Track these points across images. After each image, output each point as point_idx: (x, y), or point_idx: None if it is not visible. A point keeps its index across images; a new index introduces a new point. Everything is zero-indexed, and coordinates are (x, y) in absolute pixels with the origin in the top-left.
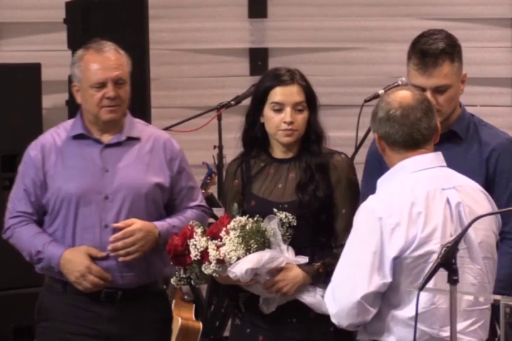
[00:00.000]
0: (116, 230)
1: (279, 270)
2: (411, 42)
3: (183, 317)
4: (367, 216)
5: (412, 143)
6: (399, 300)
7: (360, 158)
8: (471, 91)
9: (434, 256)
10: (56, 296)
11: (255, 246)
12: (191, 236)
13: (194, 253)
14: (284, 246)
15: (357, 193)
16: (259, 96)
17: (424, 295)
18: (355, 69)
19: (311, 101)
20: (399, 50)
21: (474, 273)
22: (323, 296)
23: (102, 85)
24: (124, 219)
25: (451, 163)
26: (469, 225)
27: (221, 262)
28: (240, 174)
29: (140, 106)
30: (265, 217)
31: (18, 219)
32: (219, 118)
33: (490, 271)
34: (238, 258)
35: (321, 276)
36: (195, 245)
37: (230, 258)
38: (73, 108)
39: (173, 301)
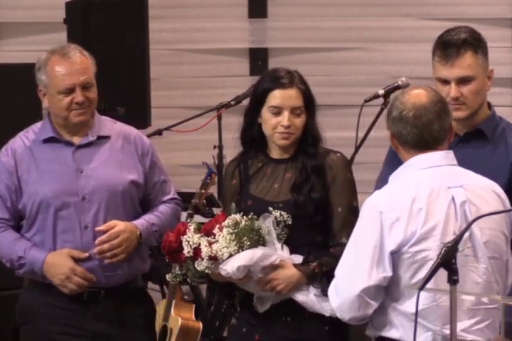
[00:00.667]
0: (97, 232)
1: (274, 268)
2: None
3: (183, 317)
4: (369, 210)
5: (422, 144)
6: (400, 294)
7: (360, 158)
8: None
9: (433, 253)
10: (37, 297)
11: (248, 243)
12: (185, 233)
13: (187, 250)
14: (278, 245)
15: (353, 192)
16: (257, 97)
17: (425, 292)
18: (355, 69)
19: (309, 104)
20: (399, 50)
21: (479, 272)
22: (316, 295)
23: (70, 91)
24: (103, 219)
25: (476, 162)
26: (469, 225)
27: (213, 259)
28: (237, 174)
29: (140, 106)
30: (260, 216)
31: None
32: (219, 118)
33: (497, 271)
34: (230, 255)
35: (316, 276)
36: (188, 241)
37: (222, 254)
38: None
39: (173, 301)
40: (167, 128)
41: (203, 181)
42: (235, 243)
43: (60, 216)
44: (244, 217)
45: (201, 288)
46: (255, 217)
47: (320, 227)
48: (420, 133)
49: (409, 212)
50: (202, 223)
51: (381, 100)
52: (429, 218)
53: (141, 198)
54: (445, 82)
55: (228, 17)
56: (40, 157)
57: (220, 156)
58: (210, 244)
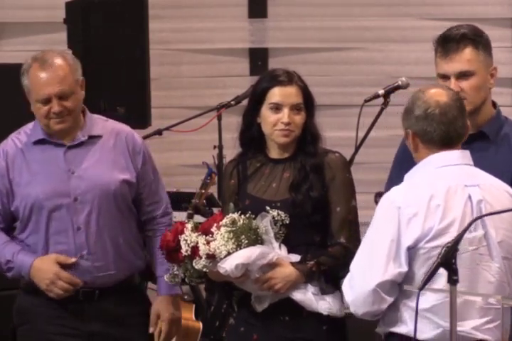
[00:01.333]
0: (89, 232)
1: (271, 266)
2: None
3: (183, 317)
4: (386, 205)
5: (447, 141)
6: (412, 291)
7: (360, 158)
8: None
9: None
10: (34, 298)
11: (246, 241)
12: (182, 232)
13: (185, 249)
14: (276, 244)
15: (352, 191)
16: (256, 97)
17: (438, 287)
18: (355, 69)
19: (308, 102)
20: (399, 50)
21: (493, 272)
22: (314, 294)
23: (46, 101)
24: (96, 220)
25: (478, 164)
26: (469, 225)
27: (211, 257)
28: (236, 174)
29: (140, 106)
30: (258, 215)
31: None
32: (219, 118)
33: (510, 272)
34: (228, 253)
35: (314, 275)
36: (186, 240)
37: (220, 252)
38: None
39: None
40: (167, 128)
41: (203, 181)
42: (233, 241)
43: (52, 217)
44: (242, 215)
45: (201, 288)
46: (253, 216)
47: (318, 227)
48: (447, 129)
49: (427, 208)
50: (199, 222)
51: (381, 100)
52: (446, 214)
53: (133, 197)
54: (445, 77)
55: (228, 17)
56: (32, 159)
57: (220, 156)
58: (208, 242)
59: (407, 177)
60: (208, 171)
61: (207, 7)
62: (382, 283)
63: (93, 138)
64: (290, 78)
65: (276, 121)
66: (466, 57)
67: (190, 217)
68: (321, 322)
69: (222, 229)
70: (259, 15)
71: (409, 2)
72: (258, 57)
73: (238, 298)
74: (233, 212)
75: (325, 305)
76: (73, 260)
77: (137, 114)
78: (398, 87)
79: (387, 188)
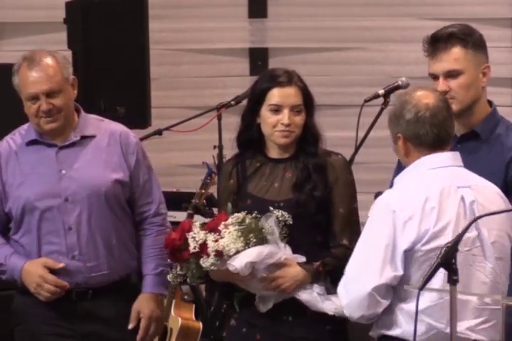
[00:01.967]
0: (80, 232)
1: (278, 266)
2: None
3: (183, 317)
4: (381, 209)
5: (439, 143)
6: (408, 293)
7: (360, 158)
8: None
9: None
10: (29, 298)
11: (254, 240)
12: (190, 230)
13: (193, 246)
14: (281, 244)
15: (354, 193)
16: (256, 97)
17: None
18: (355, 69)
19: (307, 103)
20: (399, 50)
21: (486, 272)
22: (319, 294)
23: (34, 98)
24: (87, 220)
25: (470, 163)
26: (469, 225)
27: (220, 254)
28: (235, 174)
29: (140, 106)
30: (262, 215)
31: None
32: (219, 118)
33: (503, 272)
34: (237, 252)
35: (320, 275)
36: (194, 238)
37: (229, 250)
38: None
39: (173, 301)
40: (167, 128)
41: (203, 181)
42: (241, 239)
43: (44, 218)
44: (248, 215)
45: (201, 288)
46: (259, 215)
47: (320, 227)
48: (438, 131)
49: (422, 211)
50: (204, 223)
51: (381, 100)
52: (441, 217)
53: (127, 197)
54: (435, 77)
55: (228, 17)
56: (24, 160)
57: (220, 156)
58: (216, 240)
59: (397, 180)
60: (208, 171)
61: (207, 7)
62: (378, 287)
63: (86, 139)
64: (289, 78)
65: (276, 122)
66: (453, 56)
67: (190, 217)
68: (324, 323)
69: (231, 227)
70: (259, 15)
71: (409, 2)
72: (258, 57)
73: (240, 299)
74: (231, 213)
75: (331, 305)
76: (61, 265)
77: (137, 114)
78: (398, 87)
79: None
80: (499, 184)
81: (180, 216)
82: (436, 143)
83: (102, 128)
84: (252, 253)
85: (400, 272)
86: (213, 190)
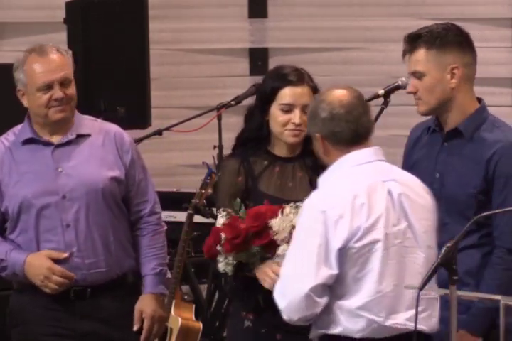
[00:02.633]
0: (78, 229)
1: None
2: None
3: (183, 317)
4: (310, 210)
5: (357, 139)
6: (345, 290)
7: None
8: None
9: (379, 245)
10: (25, 299)
11: None
12: (273, 216)
13: (284, 235)
14: None
15: None
16: (266, 96)
17: (370, 283)
18: (355, 69)
19: None
20: (399, 50)
21: (420, 262)
22: None
23: (48, 87)
24: (85, 217)
25: (451, 161)
26: (470, 224)
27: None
28: (243, 172)
29: (140, 106)
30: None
31: None
32: (219, 118)
33: (432, 260)
34: None
35: None
36: (281, 225)
37: None
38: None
39: (173, 301)
40: (167, 128)
41: (203, 181)
42: None
43: (41, 216)
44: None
45: (201, 288)
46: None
47: None
48: (355, 127)
49: (351, 208)
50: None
51: (381, 100)
52: (371, 212)
53: (123, 195)
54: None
55: (228, 17)
56: (20, 159)
57: (220, 156)
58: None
59: (321, 180)
60: (208, 171)
61: (207, 7)
62: (315, 287)
63: (81, 137)
64: (301, 77)
65: (287, 121)
66: (415, 58)
67: (190, 217)
68: None
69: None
70: (259, 15)
71: (409, 2)
72: (258, 57)
73: (263, 299)
74: (239, 208)
75: None
76: (65, 255)
77: (137, 114)
78: (398, 87)
79: None
80: (478, 182)
81: (180, 216)
82: (354, 139)
83: (97, 127)
84: None
85: (336, 271)
86: (213, 190)
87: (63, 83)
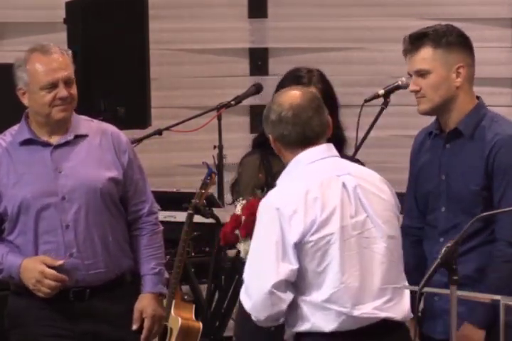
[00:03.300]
0: (77, 230)
1: None
2: None
3: (183, 317)
4: (265, 209)
5: (305, 141)
6: (307, 285)
7: (361, 158)
8: None
9: (335, 237)
10: (24, 300)
11: None
12: None
13: None
14: None
15: None
16: None
17: (331, 276)
18: (355, 69)
19: (327, 104)
20: (399, 50)
21: (382, 252)
22: None
23: (53, 86)
24: (84, 218)
25: (454, 161)
26: (472, 222)
27: None
28: (263, 169)
29: (140, 106)
30: None
31: None
32: (219, 118)
33: (395, 250)
34: None
35: None
36: None
37: None
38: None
39: (173, 301)
40: (167, 128)
41: (203, 181)
42: None
43: (41, 217)
44: None
45: (201, 288)
46: None
47: None
48: (302, 130)
49: (304, 203)
50: None
51: (381, 100)
52: (325, 205)
53: (121, 195)
54: (411, 75)
55: (228, 17)
56: (18, 160)
57: (220, 156)
58: None
59: (279, 181)
60: (208, 171)
61: (207, 7)
62: (277, 284)
63: (79, 138)
64: (309, 79)
65: None
66: (421, 56)
67: (190, 217)
68: None
69: None
70: (259, 15)
71: (409, 2)
72: (258, 57)
73: None
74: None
75: None
76: (60, 262)
77: (137, 114)
78: (398, 87)
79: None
80: (480, 178)
81: (180, 216)
82: (303, 142)
83: (93, 127)
84: None
85: (295, 265)
86: (213, 190)
87: (67, 82)
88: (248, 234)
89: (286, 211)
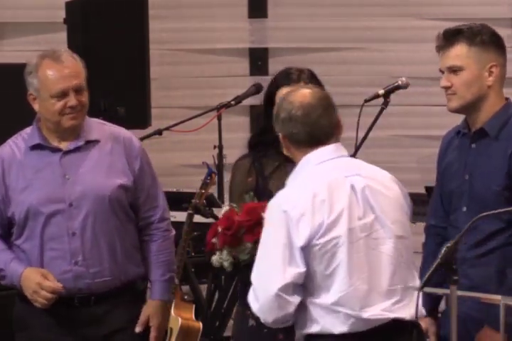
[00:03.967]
0: (84, 237)
1: None
2: None
3: (183, 317)
4: (273, 211)
5: (314, 140)
6: (316, 287)
7: (360, 158)
8: None
9: (343, 239)
10: (29, 305)
11: None
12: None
13: None
14: None
15: None
16: (267, 99)
17: (340, 278)
18: (355, 69)
19: None
20: (399, 50)
21: (390, 253)
22: None
23: (63, 94)
24: (91, 225)
25: (479, 162)
26: (472, 223)
27: None
28: (254, 172)
29: (140, 106)
30: None
31: None
32: (219, 118)
33: (404, 250)
34: None
35: None
36: None
37: None
38: None
39: (173, 301)
40: (167, 128)
41: (203, 181)
42: None
43: (48, 223)
44: None
45: (201, 288)
46: None
47: None
48: (311, 130)
49: (312, 206)
50: None
51: (381, 100)
52: (333, 207)
53: (130, 201)
54: (442, 72)
55: (228, 17)
56: (28, 165)
57: (220, 156)
58: None
59: (289, 180)
60: (208, 171)
61: (207, 7)
62: (284, 287)
63: (90, 143)
64: (298, 77)
65: None
66: (455, 53)
67: (190, 217)
68: None
69: None
70: (259, 15)
71: (409, 2)
72: (258, 57)
73: None
74: (252, 200)
75: None
76: (60, 286)
77: (137, 114)
78: (398, 87)
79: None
80: (502, 178)
81: (180, 216)
82: (312, 141)
83: (106, 132)
84: None
85: (302, 268)
86: (213, 190)
87: (78, 90)
88: (226, 244)
89: (293, 214)
